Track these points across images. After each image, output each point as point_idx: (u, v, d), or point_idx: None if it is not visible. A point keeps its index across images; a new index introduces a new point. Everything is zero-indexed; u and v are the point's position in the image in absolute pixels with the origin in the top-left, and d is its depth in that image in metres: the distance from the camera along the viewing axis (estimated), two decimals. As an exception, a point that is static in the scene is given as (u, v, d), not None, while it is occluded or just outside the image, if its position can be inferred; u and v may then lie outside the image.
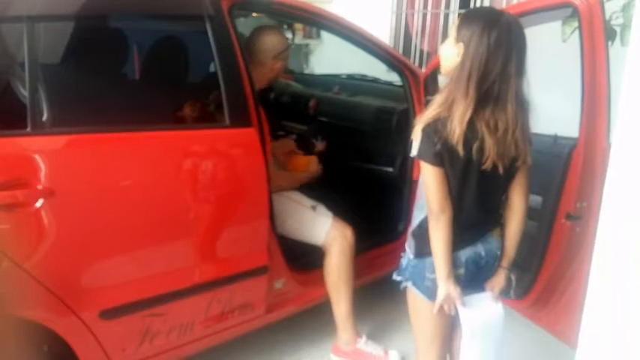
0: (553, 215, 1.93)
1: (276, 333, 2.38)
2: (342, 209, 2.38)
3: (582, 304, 1.13)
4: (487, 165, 1.41)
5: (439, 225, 1.44)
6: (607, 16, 1.91)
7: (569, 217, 1.88)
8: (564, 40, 2.25)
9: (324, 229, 2.26)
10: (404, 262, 1.61)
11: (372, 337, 2.40)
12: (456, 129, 1.37)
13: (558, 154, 1.89)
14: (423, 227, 1.51)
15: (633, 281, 0.99)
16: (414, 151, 1.44)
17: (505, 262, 1.61)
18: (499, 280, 1.61)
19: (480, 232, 1.55)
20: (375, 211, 2.79)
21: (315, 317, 2.41)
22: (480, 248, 1.55)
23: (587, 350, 1.11)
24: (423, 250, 1.52)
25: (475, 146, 1.39)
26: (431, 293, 1.53)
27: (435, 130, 1.39)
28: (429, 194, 1.44)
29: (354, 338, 2.30)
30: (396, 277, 1.63)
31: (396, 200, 2.74)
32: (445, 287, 1.48)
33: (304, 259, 2.29)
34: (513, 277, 1.65)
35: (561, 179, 1.89)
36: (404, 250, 1.62)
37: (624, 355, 1.02)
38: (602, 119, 1.81)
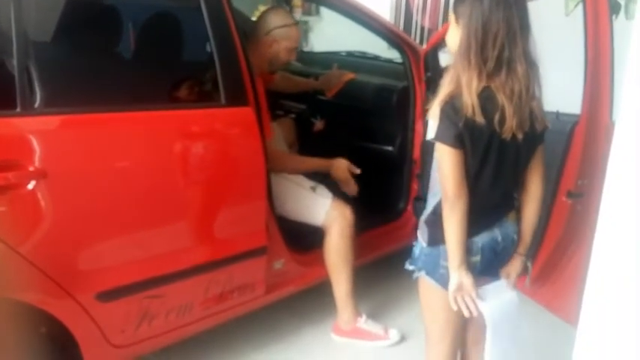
0: (554, 193, 1.91)
1: (278, 313, 2.38)
2: (342, 189, 2.36)
3: (583, 282, 1.12)
4: (506, 134, 1.35)
5: (454, 212, 1.38)
6: (612, -11, 1.87)
7: (570, 194, 1.87)
8: (567, 14, 2.21)
9: (324, 209, 2.24)
10: (416, 250, 1.56)
11: (373, 316, 2.40)
12: (468, 100, 1.32)
13: (560, 130, 1.87)
14: (437, 214, 1.45)
15: (636, 260, 0.98)
16: (430, 134, 1.38)
17: (522, 249, 1.55)
18: (515, 266, 1.56)
19: (496, 215, 1.49)
20: (375, 191, 2.77)
21: (316, 297, 2.41)
22: (496, 233, 1.49)
23: (587, 328, 1.10)
24: (437, 237, 1.46)
25: (496, 117, 1.34)
26: (445, 281, 1.48)
27: (453, 108, 1.34)
28: (445, 179, 1.38)
29: (354, 317, 2.30)
30: (408, 266, 1.58)
31: (395, 179, 2.72)
32: (457, 276, 1.42)
33: (304, 239, 2.28)
34: (530, 264, 1.60)
35: (562, 156, 1.87)
36: (416, 239, 1.56)
37: (625, 333, 1.01)
38: (605, 95, 1.79)
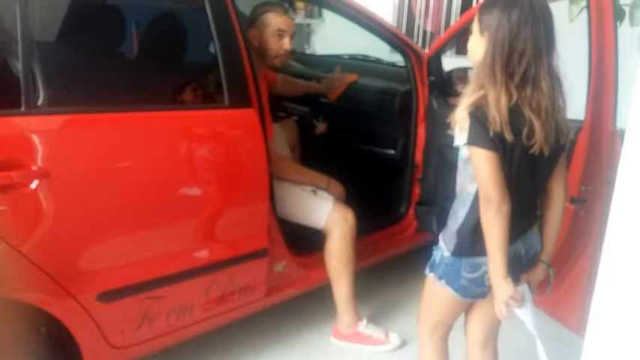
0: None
1: (278, 315, 2.37)
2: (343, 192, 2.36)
3: (588, 290, 1.11)
4: (534, 149, 1.33)
5: (499, 216, 1.32)
6: (616, -4, 1.87)
7: (573, 200, 1.86)
8: (571, 20, 2.21)
9: (325, 212, 2.23)
10: (437, 257, 1.53)
11: (373, 319, 2.40)
12: (496, 117, 1.29)
13: (564, 137, 1.86)
14: (470, 225, 1.42)
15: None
16: (462, 139, 1.34)
17: (544, 256, 1.53)
18: (537, 273, 1.54)
19: (520, 228, 1.46)
20: (376, 194, 2.77)
21: (317, 300, 2.40)
22: (519, 247, 1.46)
23: (596, 338, 1.09)
24: (464, 250, 1.44)
25: (525, 132, 1.32)
26: (464, 291, 1.48)
27: (483, 114, 1.31)
28: (487, 183, 1.33)
29: (354, 321, 2.30)
30: (428, 273, 1.56)
31: (397, 183, 2.72)
32: (507, 287, 1.37)
33: (305, 242, 2.27)
34: (552, 272, 1.57)
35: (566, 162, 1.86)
36: (436, 244, 1.54)
37: (635, 344, 1.00)
38: (609, 102, 1.78)
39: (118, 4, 2.00)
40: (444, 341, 1.67)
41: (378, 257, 2.59)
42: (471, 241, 1.43)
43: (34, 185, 1.45)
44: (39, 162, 1.46)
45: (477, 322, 1.62)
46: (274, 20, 2.20)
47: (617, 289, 1.03)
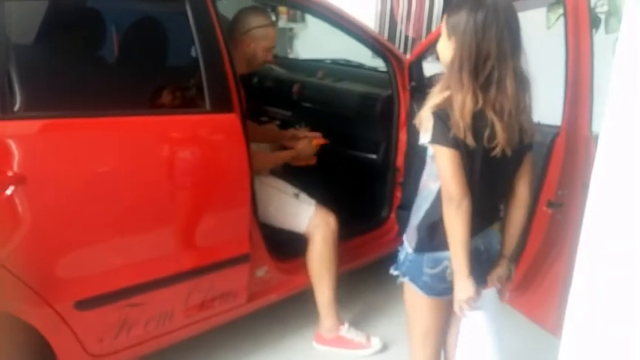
0: (534, 202, 1.92)
1: (259, 320, 2.36)
2: (325, 196, 2.36)
3: (565, 292, 1.13)
4: (497, 152, 1.35)
5: (460, 212, 1.36)
6: (592, 4, 1.90)
7: (550, 204, 1.89)
8: (549, 27, 2.25)
9: (307, 216, 2.24)
10: (401, 256, 1.56)
11: (355, 324, 2.40)
12: (459, 122, 1.32)
13: (541, 141, 1.88)
14: (428, 220, 1.45)
15: (619, 270, 0.99)
16: (426, 138, 1.38)
17: (506, 251, 1.56)
18: (499, 270, 1.56)
19: (479, 225, 1.47)
20: (358, 198, 2.78)
21: (299, 305, 2.40)
22: (478, 242, 1.48)
23: (571, 338, 1.10)
24: (425, 245, 1.47)
25: (486, 134, 1.34)
26: (428, 288, 1.49)
27: (446, 115, 1.34)
28: (448, 180, 1.36)
29: (336, 325, 2.30)
30: (393, 271, 1.58)
31: (379, 187, 2.73)
32: (469, 285, 1.40)
33: (287, 246, 2.27)
34: (513, 267, 1.60)
35: (543, 167, 1.88)
36: (401, 244, 1.56)
37: (610, 344, 1.02)
38: (585, 108, 1.81)
39: (98, 7, 1.98)
40: (436, 354, 1.66)
41: (360, 261, 2.60)
42: (429, 235, 1.46)
43: (9, 191, 1.43)
44: (15, 168, 1.44)
45: (454, 331, 1.63)
46: (272, 35, 2.29)
47: (591, 291, 1.05)
